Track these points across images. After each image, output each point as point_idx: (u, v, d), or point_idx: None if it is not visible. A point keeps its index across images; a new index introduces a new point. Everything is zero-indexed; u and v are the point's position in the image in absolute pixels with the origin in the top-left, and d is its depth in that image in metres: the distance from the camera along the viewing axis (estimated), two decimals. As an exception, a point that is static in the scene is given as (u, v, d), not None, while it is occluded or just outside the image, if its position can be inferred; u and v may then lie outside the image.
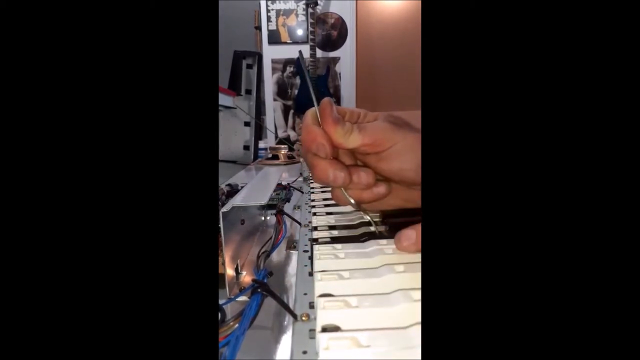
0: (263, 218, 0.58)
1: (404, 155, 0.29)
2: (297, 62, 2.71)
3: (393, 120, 0.30)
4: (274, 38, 2.74)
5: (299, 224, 0.46)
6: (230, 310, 0.31)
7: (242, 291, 0.35)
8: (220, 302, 0.31)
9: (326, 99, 0.29)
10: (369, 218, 0.33)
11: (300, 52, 0.34)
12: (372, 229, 0.33)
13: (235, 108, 1.36)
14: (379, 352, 0.19)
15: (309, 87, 0.30)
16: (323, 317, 0.21)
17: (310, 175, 0.31)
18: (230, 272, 0.37)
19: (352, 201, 0.31)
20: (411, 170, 0.29)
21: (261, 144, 1.57)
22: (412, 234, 0.26)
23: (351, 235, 0.34)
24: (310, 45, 2.58)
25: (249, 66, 1.49)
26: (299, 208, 0.57)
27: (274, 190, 0.61)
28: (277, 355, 0.28)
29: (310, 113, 0.29)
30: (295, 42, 2.74)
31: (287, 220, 0.52)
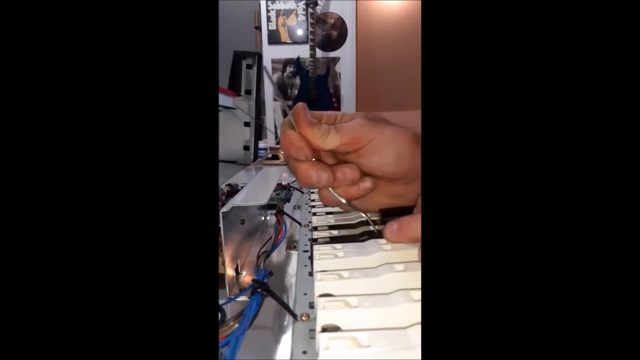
0: (263, 218, 0.58)
1: (383, 150, 0.29)
2: (297, 63, 2.71)
3: (370, 118, 0.30)
4: (274, 38, 2.74)
5: (299, 224, 0.46)
6: (230, 310, 0.31)
7: (242, 291, 0.35)
8: (220, 302, 0.31)
9: (299, 104, 0.29)
10: (365, 216, 0.33)
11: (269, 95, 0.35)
12: (371, 228, 0.33)
13: (235, 108, 1.36)
14: (379, 352, 0.19)
15: (274, 95, 0.30)
16: (323, 317, 0.21)
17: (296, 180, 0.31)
18: (230, 272, 0.37)
19: (342, 200, 0.31)
20: (390, 163, 0.29)
21: (261, 144, 1.57)
22: (394, 225, 0.27)
23: (351, 235, 0.34)
24: (310, 45, 2.58)
25: (249, 66, 1.48)
26: (299, 208, 0.57)
27: (274, 190, 0.61)
28: (277, 355, 0.28)
29: (286, 120, 0.30)
30: (295, 42, 2.74)
31: (287, 220, 0.52)
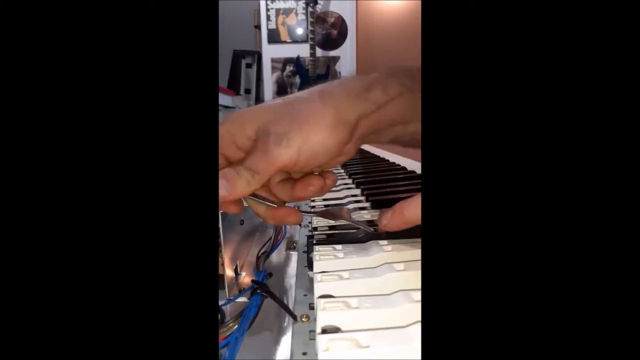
0: (263, 218, 0.58)
1: (313, 158, 0.28)
2: (297, 62, 2.71)
3: (271, 133, 0.27)
4: (274, 37, 2.73)
5: (299, 224, 0.46)
6: (229, 311, 0.31)
7: (241, 292, 0.35)
8: (220, 303, 0.31)
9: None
10: (356, 223, 0.34)
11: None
12: (363, 228, 0.33)
13: (234, 108, 1.36)
14: (379, 352, 0.19)
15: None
16: (323, 318, 0.21)
17: None
18: (229, 273, 0.37)
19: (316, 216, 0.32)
20: (329, 154, 0.28)
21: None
22: (388, 213, 0.28)
23: (350, 235, 0.34)
24: (310, 45, 2.58)
25: (249, 65, 1.49)
26: (298, 208, 0.57)
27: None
28: (276, 356, 0.28)
29: (224, 208, 0.31)
30: (295, 41, 2.74)
31: (287, 220, 0.52)
